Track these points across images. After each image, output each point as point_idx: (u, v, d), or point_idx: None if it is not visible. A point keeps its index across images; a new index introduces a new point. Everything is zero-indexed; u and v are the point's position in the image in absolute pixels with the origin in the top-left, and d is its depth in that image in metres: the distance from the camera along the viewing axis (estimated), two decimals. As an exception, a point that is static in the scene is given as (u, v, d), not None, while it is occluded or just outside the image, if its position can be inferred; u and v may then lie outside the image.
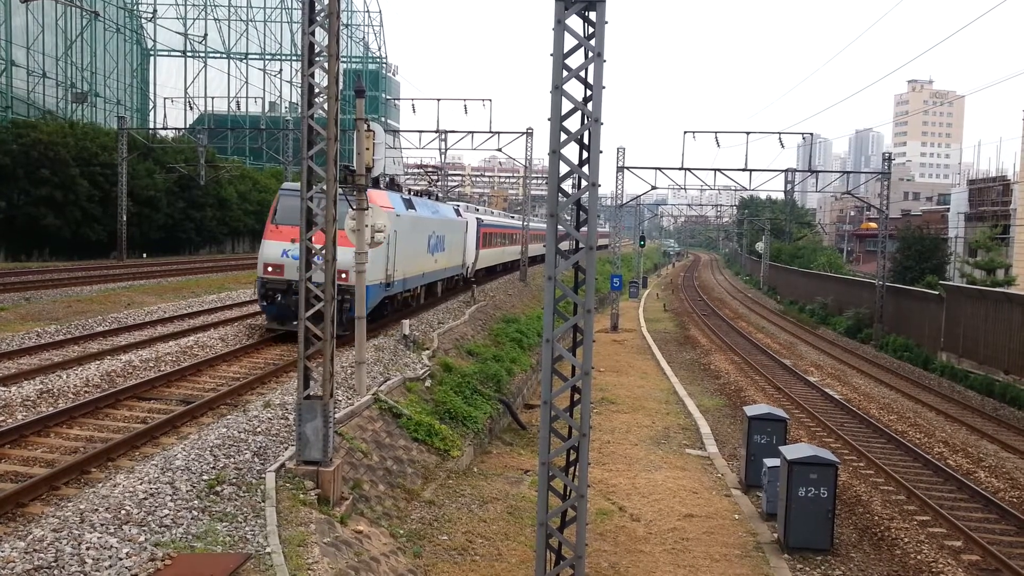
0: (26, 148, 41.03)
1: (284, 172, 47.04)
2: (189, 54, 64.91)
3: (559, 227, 7.69)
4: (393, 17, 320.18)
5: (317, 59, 10.65)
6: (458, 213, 32.44)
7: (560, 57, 7.35)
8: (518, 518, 13.53)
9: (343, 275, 17.29)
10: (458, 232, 31.24)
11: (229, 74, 64.89)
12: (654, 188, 40.74)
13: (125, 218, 44.02)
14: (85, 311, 22.53)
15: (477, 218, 36.41)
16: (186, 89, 63.67)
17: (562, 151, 7.48)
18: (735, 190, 50.42)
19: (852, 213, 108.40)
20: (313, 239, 10.59)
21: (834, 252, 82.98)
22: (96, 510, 8.49)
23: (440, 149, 42.81)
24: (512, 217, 57.20)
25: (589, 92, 7.49)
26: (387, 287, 20.71)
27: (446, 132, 41.10)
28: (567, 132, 7.53)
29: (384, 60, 72.19)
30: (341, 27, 10.76)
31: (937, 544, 13.65)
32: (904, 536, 13.97)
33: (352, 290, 16.06)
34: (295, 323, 17.66)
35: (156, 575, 7.38)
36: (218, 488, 9.61)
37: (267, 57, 66.77)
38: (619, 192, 44.26)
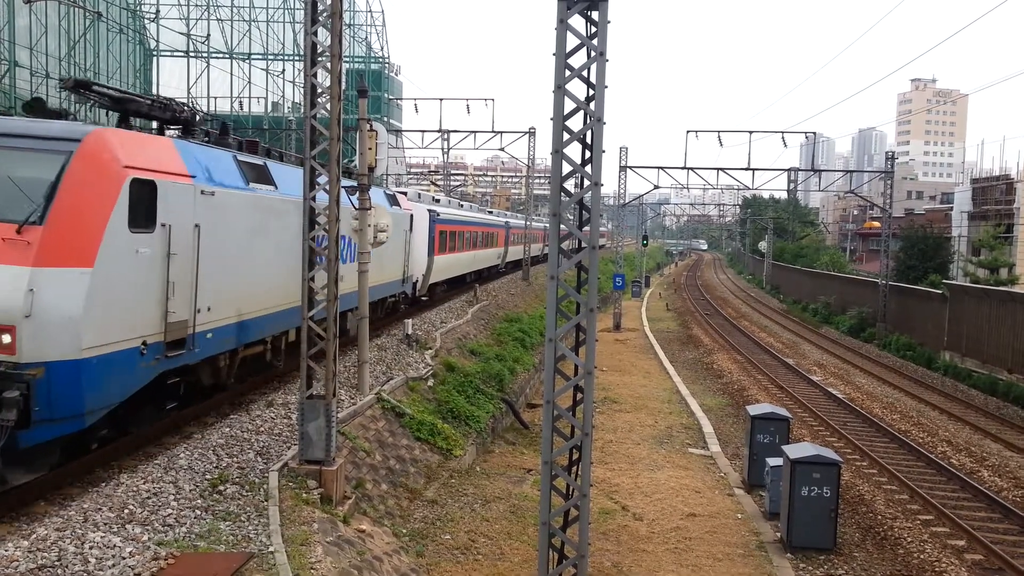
0: (29, 148, 41.11)
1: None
2: (192, 54, 64.89)
3: (562, 226, 7.70)
4: (396, 17, 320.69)
5: (320, 59, 10.69)
6: (395, 201, 22.26)
7: (563, 57, 7.36)
8: (521, 517, 13.55)
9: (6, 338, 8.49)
10: (395, 230, 20.36)
11: (232, 74, 64.85)
12: (657, 188, 40.75)
13: (128, 218, 43.96)
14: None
15: (430, 210, 27.13)
16: (189, 89, 63.55)
17: (565, 151, 7.50)
18: (738, 189, 50.43)
19: (855, 212, 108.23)
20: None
21: (837, 251, 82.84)
22: (99, 509, 8.51)
23: (443, 149, 42.84)
24: (490, 213, 48.33)
25: (591, 91, 7.50)
26: (168, 352, 10.38)
27: (449, 132, 41.11)
28: (570, 132, 7.54)
29: (387, 60, 72.07)
30: (344, 27, 10.78)
31: (940, 543, 13.63)
32: (907, 535, 13.95)
33: (58, 369, 8.74)
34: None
35: (159, 574, 7.40)
36: (221, 487, 9.63)
37: (270, 57, 66.58)
38: (622, 191, 44.29)
